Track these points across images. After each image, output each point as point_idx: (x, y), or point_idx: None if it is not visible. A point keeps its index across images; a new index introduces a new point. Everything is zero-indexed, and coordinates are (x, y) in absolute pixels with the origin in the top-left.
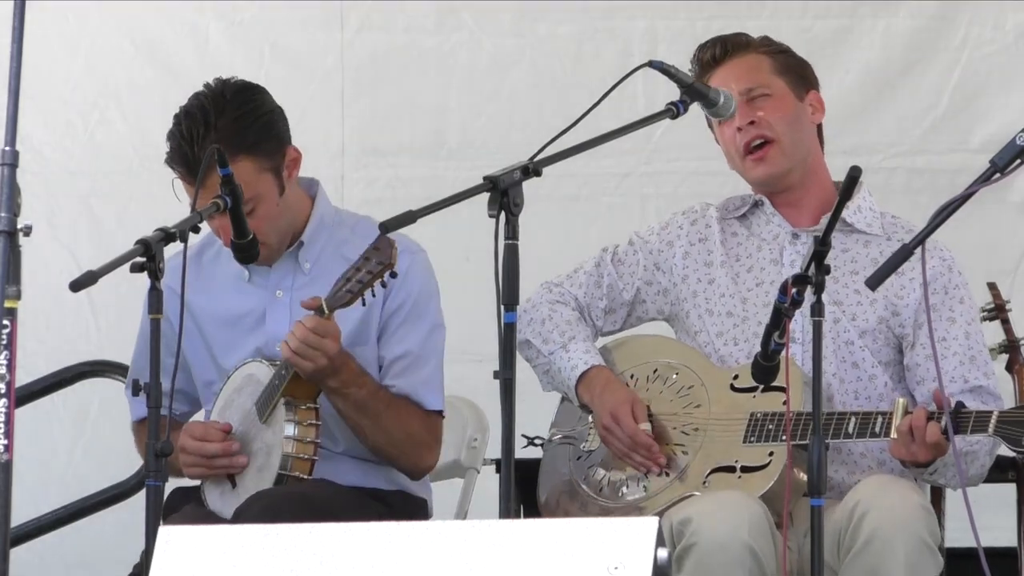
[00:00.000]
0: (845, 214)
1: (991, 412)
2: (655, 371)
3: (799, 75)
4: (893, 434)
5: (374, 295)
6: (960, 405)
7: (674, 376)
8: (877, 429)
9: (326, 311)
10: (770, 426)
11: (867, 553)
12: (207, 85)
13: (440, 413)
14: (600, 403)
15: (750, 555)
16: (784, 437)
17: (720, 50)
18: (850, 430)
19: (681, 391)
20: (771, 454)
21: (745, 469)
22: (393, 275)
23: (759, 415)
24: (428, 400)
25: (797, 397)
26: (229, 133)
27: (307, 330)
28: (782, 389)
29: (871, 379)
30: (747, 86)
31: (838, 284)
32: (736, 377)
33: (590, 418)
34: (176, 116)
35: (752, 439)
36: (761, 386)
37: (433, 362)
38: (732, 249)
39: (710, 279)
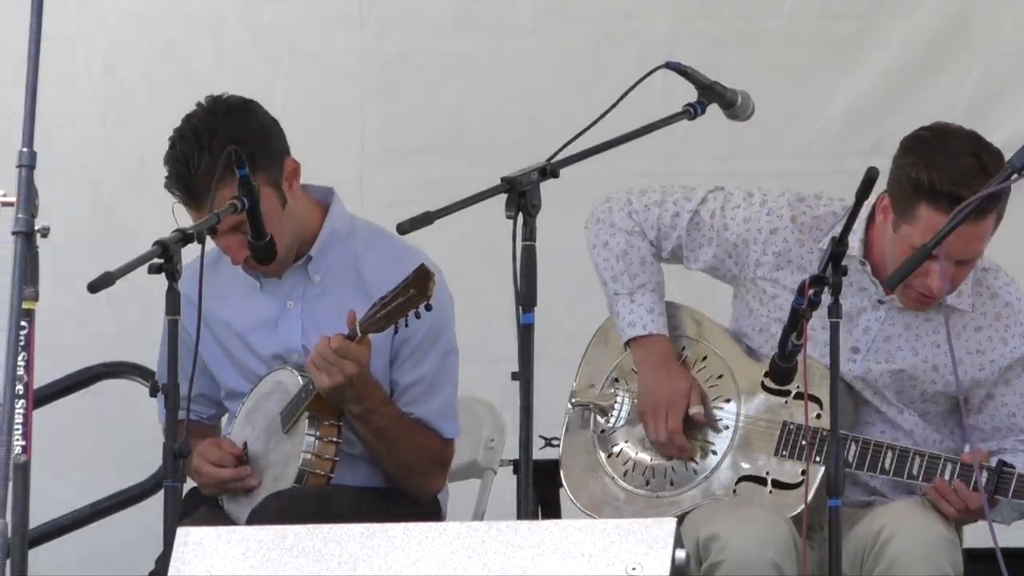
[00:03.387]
0: (949, 299)
1: None
2: (683, 348)
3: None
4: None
5: (407, 325)
6: (1002, 464)
7: (703, 361)
8: (915, 471)
9: (358, 333)
10: (803, 442)
11: None
12: (199, 104)
13: (453, 440)
14: (653, 381)
15: (776, 572)
16: (818, 458)
17: (984, 207)
18: (886, 465)
19: (710, 380)
20: (803, 472)
21: (776, 484)
22: (428, 307)
23: (792, 427)
24: (446, 429)
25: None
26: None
27: (328, 347)
28: (816, 399)
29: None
30: (972, 257)
31: (917, 357)
32: (767, 375)
33: (615, 389)
34: (171, 139)
35: (784, 452)
36: (794, 391)
37: (449, 388)
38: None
39: (773, 295)
